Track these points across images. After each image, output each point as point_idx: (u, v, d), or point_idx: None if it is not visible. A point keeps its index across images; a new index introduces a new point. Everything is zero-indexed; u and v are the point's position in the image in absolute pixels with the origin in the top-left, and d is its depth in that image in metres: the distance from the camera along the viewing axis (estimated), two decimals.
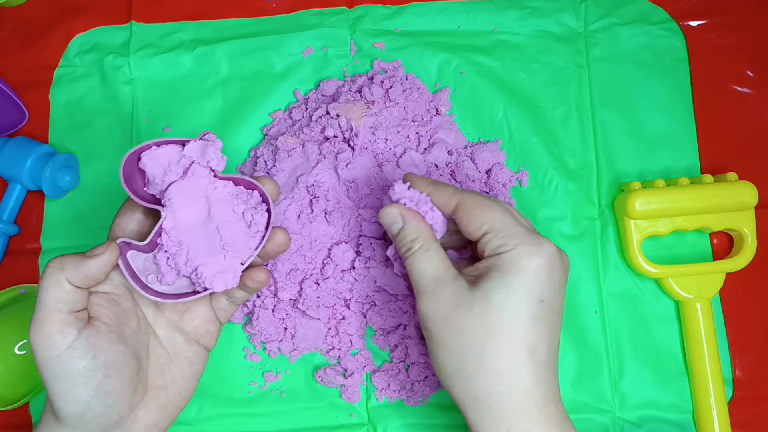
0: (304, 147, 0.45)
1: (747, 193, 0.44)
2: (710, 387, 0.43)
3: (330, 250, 0.43)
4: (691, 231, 0.46)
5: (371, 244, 0.43)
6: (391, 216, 0.36)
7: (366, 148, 0.44)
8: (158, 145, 0.35)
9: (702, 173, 0.48)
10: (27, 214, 0.49)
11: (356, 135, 0.44)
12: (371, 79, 0.48)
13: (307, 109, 0.48)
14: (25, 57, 0.52)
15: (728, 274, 0.45)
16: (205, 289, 0.34)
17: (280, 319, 0.44)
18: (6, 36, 0.52)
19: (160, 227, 0.35)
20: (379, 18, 0.51)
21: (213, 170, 0.36)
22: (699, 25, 0.51)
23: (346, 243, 0.43)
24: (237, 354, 0.46)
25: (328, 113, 0.46)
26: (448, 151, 0.46)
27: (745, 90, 0.49)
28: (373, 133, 0.44)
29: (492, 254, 0.32)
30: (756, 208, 0.44)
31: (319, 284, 0.43)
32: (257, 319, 0.44)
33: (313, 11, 0.51)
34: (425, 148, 0.46)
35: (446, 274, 0.33)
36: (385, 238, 0.43)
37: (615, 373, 0.45)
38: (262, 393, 0.45)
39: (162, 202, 0.35)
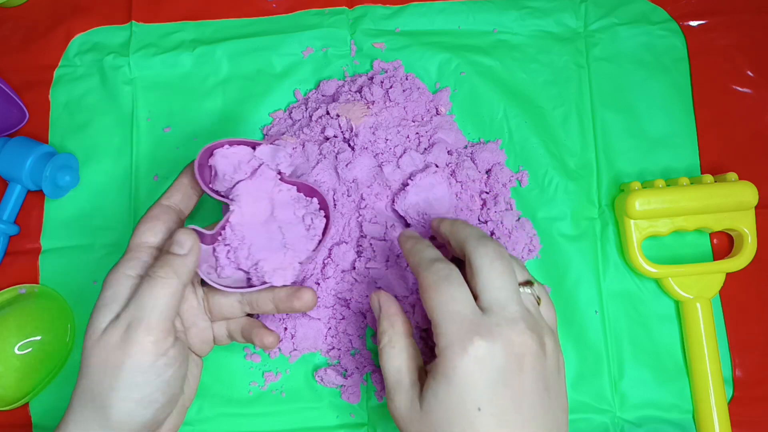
0: (304, 147, 0.45)
1: (747, 193, 0.44)
2: (710, 387, 0.43)
3: (330, 250, 0.43)
4: (691, 231, 0.46)
5: (371, 245, 0.43)
6: (372, 302, 0.36)
7: (366, 148, 0.44)
8: (231, 144, 0.38)
9: (702, 173, 0.48)
10: (27, 214, 0.49)
11: (356, 135, 0.44)
12: (371, 79, 0.48)
13: (307, 109, 0.48)
14: (25, 57, 0.51)
15: (728, 274, 0.45)
16: (263, 283, 0.36)
17: (280, 319, 0.44)
18: (6, 36, 0.52)
19: (227, 221, 0.36)
20: (379, 18, 0.51)
21: (280, 173, 0.38)
22: (699, 25, 0.51)
23: (347, 243, 0.43)
24: (237, 354, 0.46)
25: (328, 113, 0.46)
26: (448, 151, 0.46)
27: (745, 90, 0.49)
28: (373, 133, 0.44)
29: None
30: (756, 208, 0.44)
31: (319, 284, 0.43)
32: (257, 319, 0.44)
33: (313, 11, 0.51)
34: (425, 148, 0.46)
35: (405, 379, 0.32)
36: (385, 239, 0.43)
37: (615, 373, 0.45)
38: (262, 393, 0.45)
39: (230, 197, 0.37)
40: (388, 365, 0.33)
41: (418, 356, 0.33)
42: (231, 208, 0.36)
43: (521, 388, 0.29)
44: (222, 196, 0.37)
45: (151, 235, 0.35)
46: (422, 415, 0.30)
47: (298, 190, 0.39)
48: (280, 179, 0.38)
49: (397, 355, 0.33)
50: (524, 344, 0.29)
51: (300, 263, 0.37)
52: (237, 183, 0.37)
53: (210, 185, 0.38)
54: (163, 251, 0.34)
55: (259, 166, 0.38)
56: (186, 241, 0.33)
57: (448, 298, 0.30)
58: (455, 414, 0.29)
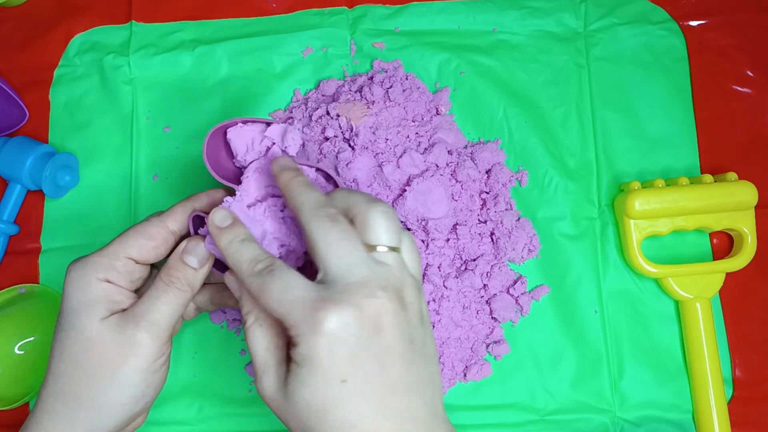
0: (304, 147, 0.45)
1: (747, 193, 0.44)
2: (710, 387, 0.43)
3: None
4: (691, 231, 0.46)
5: None
6: (229, 282, 0.33)
7: (366, 148, 0.44)
8: (244, 122, 0.36)
9: (702, 173, 0.48)
10: (27, 214, 0.49)
11: (356, 135, 0.44)
12: (371, 79, 0.48)
13: (307, 109, 0.48)
14: (25, 57, 0.51)
15: (728, 274, 0.45)
16: None
17: None
18: (6, 36, 0.52)
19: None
20: (379, 18, 0.51)
21: (288, 154, 0.36)
22: (699, 25, 0.51)
23: None
24: (237, 354, 0.46)
25: (328, 113, 0.46)
26: (448, 151, 0.46)
27: (745, 90, 0.49)
28: (373, 133, 0.44)
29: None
30: (756, 208, 0.44)
31: None
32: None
33: (313, 11, 0.51)
34: (425, 148, 0.46)
35: (271, 359, 0.30)
36: None
37: (615, 373, 0.45)
38: None
39: (241, 177, 0.36)
40: (255, 345, 0.31)
41: (283, 335, 0.31)
42: (237, 194, 0.35)
43: (383, 348, 0.28)
44: (230, 182, 0.36)
45: (138, 253, 0.34)
46: (287, 399, 0.29)
47: (316, 171, 0.38)
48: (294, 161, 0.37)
49: (264, 333, 0.31)
50: (377, 304, 0.28)
51: (305, 252, 0.35)
52: (250, 163, 0.36)
53: (234, 161, 0.37)
54: (174, 257, 0.34)
55: (271, 146, 0.37)
56: (201, 255, 0.34)
57: (280, 291, 0.29)
58: (321, 393, 0.28)
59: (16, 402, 0.44)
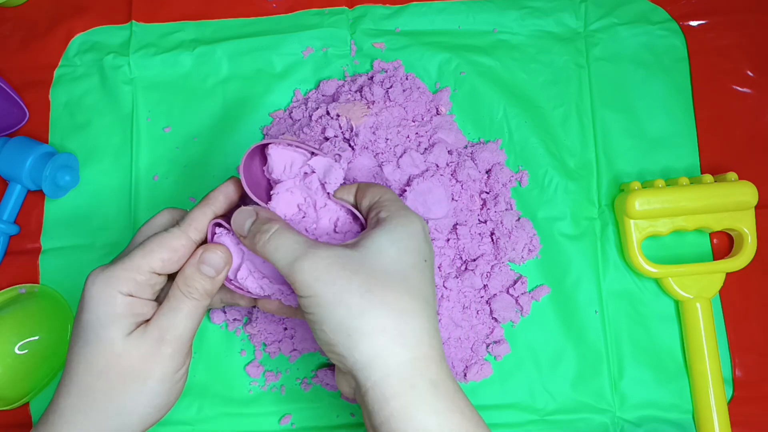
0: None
1: (747, 193, 0.44)
2: (710, 387, 0.43)
3: None
4: (691, 231, 0.46)
5: None
6: (244, 213, 0.33)
7: (366, 147, 0.44)
8: (290, 144, 0.35)
9: (702, 173, 0.48)
10: (27, 214, 0.49)
11: (356, 135, 0.44)
12: (371, 79, 0.48)
13: (307, 109, 0.48)
14: (25, 57, 0.51)
15: (728, 274, 0.45)
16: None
17: (280, 320, 0.44)
18: (6, 36, 0.52)
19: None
20: (379, 18, 0.51)
21: (326, 191, 0.36)
22: (699, 25, 0.51)
23: None
24: (237, 354, 0.46)
25: (328, 113, 0.46)
26: (448, 151, 0.46)
27: (745, 90, 0.49)
28: (373, 133, 0.44)
29: (376, 219, 0.33)
30: (756, 208, 0.44)
31: None
32: (257, 319, 0.44)
33: (313, 11, 0.51)
34: (425, 148, 0.46)
35: (312, 242, 0.31)
36: None
37: (615, 373, 0.45)
38: (262, 392, 0.45)
39: (271, 193, 0.35)
40: (290, 239, 0.31)
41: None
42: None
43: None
44: (259, 198, 0.35)
45: (161, 267, 0.33)
46: (363, 256, 0.31)
47: (346, 211, 0.37)
48: (328, 197, 0.36)
49: (295, 232, 0.32)
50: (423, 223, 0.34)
51: None
52: (283, 182, 0.35)
53: (266, 173, 0.36)
54: (191, 267, 0.34)
55: (310, 173, 0.35)
56: (218, 263, 0.34)
57: (388, 192, 0.35)
58: (410, 256, 0.32)
59: (16, 402, 0.44)
